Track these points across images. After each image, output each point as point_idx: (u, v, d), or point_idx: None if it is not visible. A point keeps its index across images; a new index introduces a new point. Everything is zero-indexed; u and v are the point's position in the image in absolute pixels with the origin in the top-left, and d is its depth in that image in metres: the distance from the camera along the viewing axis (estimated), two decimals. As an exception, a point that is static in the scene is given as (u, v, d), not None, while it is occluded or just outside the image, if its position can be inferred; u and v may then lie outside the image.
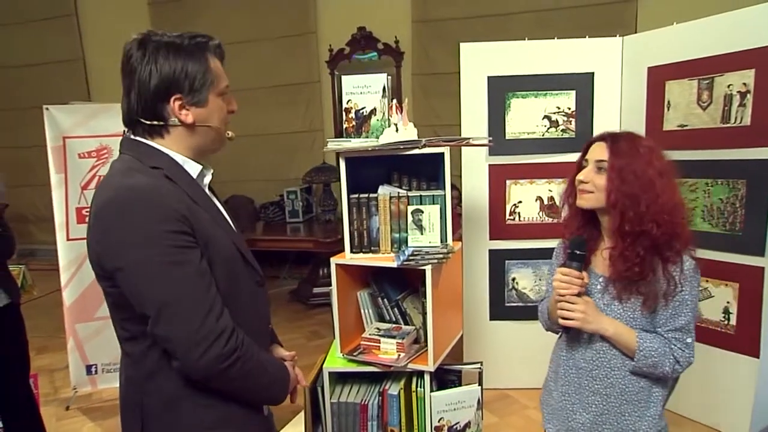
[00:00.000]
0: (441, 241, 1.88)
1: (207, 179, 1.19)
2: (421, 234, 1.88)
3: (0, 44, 6.19)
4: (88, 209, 3.10)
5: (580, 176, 1.32)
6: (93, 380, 3.00)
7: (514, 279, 2.91)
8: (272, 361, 1.22)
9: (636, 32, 4.00)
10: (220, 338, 1.02)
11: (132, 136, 1.13)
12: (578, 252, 1.30)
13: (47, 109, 2.87)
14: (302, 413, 2.02)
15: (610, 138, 1.30)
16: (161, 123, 1.10)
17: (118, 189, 1.02)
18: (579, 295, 1.29)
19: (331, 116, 5.40)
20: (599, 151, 1.30)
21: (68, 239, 2.90)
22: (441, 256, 1.80)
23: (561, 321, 1.31)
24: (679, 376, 1.36)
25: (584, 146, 1.36)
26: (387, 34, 5.09)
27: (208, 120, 1.13)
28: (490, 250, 2.89)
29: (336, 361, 1.94)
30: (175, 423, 1.11)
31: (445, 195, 1.88)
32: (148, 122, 1.09)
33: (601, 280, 1.33)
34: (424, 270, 1.78)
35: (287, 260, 5.38)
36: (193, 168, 1.14)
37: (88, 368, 2.98)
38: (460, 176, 2.89)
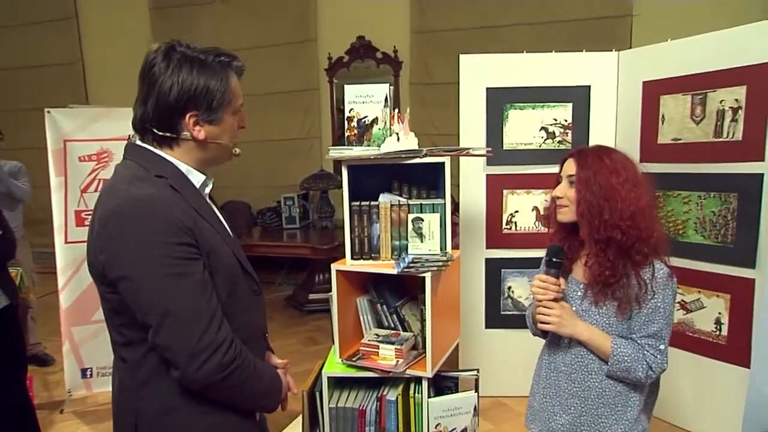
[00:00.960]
0: (440, 249, 1.91)
1: (208, 189, 1.20)
2: (421, 242, 1.91)
3: (-1, 46, 6.21)
4: (87, 212, 3.11)
5: (555, 192, 1.41)
6: (88, 383, 2.99)
7: (509, 288, 2.95)
8: (267, 369, 1.23)
9: (631, 47, 4.09)
10: (219, 349, 1.03)
11: (138, 142, 1.13)
12: (555, 259, 1.37)
13: (49, 112, 2.88)
14: (300, 418, 2.03)
15: (577, 153, 1.39)
16: (173, 135, 1.10)
17: (125, 198, 1.03)
18: (556, 300, 1.36)
19: (329, 123, 5.45)
20: (569, 167, 1.38)
21: (66, 242, 2.90)
22: (441, 263, 1.83)
23: (538, 325, 1.39)
24: (659, 383, 1.42)
25: (559, 163, 1.44)
26: (386, 44, 5.15)
27: (219, 137, 1.14)
28: (486, 259, 2.93)
29: (335, 366, 1.96)
30: (169, 429, 1.12)
31: (444, 204, 1.91)
32: (160, 132, 1.10)
33: (581, 286, 1.40)
34: (424, 277, 1.81)
35: (283, 266, 5.39)
36: (196, 178, 1.15)
37: (84, 371, 2.98)
38: (458, 186, 2.92)
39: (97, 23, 6.02)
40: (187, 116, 1.09)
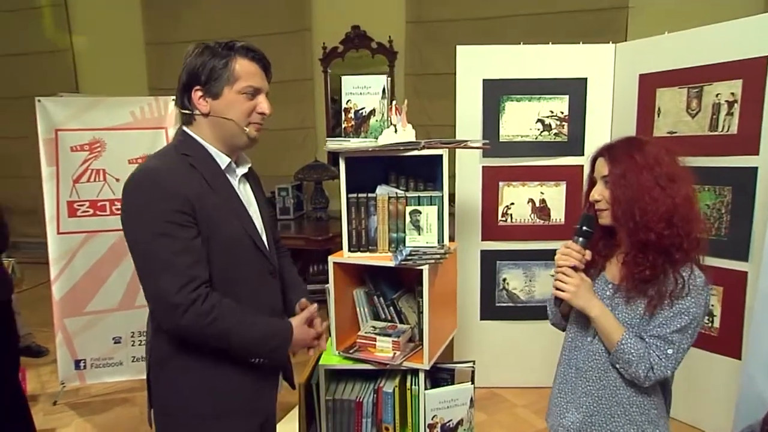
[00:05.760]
0: (438, 242, 1.90)
1: (240, 171, 1.35)
2: (419, 234, 1.91)
3: (-14, 32, 6.08)
4: (80, 203, 3.05)
5: (594, 195, 1.33)
6: (81, 375, 2.98)
7: (504, 279, 2.96)
8: (265, 321, 1.30)
9: (626, 39, 4.08)
10: (192, 308, 1.14)
11: (182, 126, 1.33)
12: (585, 228, 1.33)
13: (39, 100, 2.83)
14: (296, 409, 2.03)
15: (607, 150, 1.31)
16: (189, 112, 1.28)
17: (140, 170, 1.21)
18: (576, 269, 1.32)
19: (324, 114, 5.41)
20: (602, 166, 1.31)
21: (59, 233, 2.86)
22: (438, 256, 1.82)
23: (553, 291, 1.35)
24: (671, 386, 1.37)
25: (590, 162, 1.36)
26: (381, 34, 5.11)
27: (224, 112, 1.26)
28: (481, 251, 2.93)
29: (331, 358, 1.96)
30: (170, 375, 1.28)
31: (442, 196, 1.91)
32: (182, 111, 1.30)
33: (610, 286, 1.35)
34: (422, 270, 1.81)
35: (277, 257, 5.37)
36: (222, 160, 1.30)
37: (77, 363, 2.96)
38: (454, 177, 2.92)
39: (86, 11, 5.90)
40: (193, 91, 1.25)
